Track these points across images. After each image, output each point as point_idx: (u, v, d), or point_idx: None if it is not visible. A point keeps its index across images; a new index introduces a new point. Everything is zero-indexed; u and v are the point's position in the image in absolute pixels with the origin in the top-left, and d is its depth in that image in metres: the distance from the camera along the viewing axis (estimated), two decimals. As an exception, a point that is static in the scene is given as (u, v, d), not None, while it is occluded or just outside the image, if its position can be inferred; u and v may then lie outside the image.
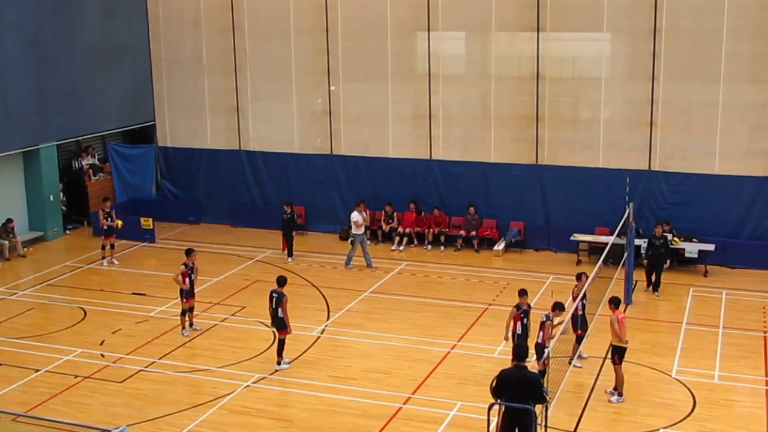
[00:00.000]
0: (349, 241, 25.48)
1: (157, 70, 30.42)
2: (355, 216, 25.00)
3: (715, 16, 24.32)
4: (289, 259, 25.77)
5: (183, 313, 20.24)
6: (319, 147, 28.79)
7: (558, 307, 17.04)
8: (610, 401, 16.59)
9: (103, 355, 19.10)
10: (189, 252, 20.51)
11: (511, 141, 26.89)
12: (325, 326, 20.74)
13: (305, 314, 21.11)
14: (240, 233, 28.75)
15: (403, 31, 27.47)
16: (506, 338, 17.45)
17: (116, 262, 25.60)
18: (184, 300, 20.13)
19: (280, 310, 18.19)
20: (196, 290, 20.53)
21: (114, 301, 22.57)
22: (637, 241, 22.79)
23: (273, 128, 29.49)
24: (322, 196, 28.93)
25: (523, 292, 17.56)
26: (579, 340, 18.09)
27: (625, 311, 17.83)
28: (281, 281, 18.56)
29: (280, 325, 18.28)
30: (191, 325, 20.33)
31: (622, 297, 21.56)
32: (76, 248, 27.48)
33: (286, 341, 18.34)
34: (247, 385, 17.54)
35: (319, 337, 19.95)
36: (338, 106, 28.47)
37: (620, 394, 16.65)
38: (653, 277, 22.76)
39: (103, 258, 25.80)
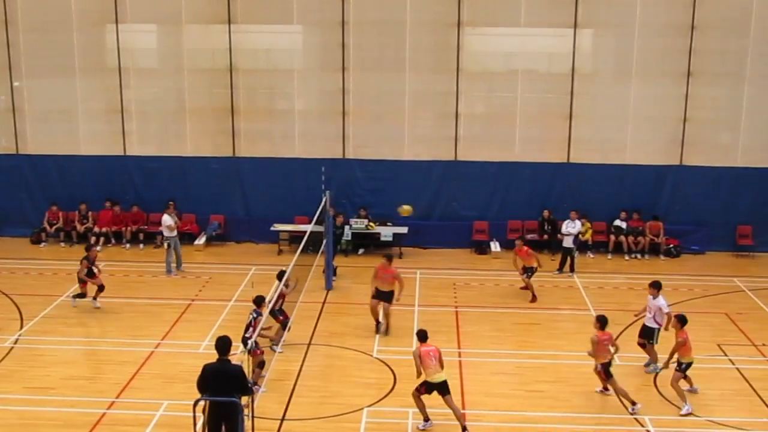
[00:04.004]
0: (165, 246, 23.98)
1: None
2: (166, 219, 23.56)
3: (399, 9, 25.61)
4: None
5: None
6: (5, 147, 27.14)
7: (262, 301, 17.06)
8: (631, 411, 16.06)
9: None
10: (89, 248, 21.92)
11: (208, 134, 26.86)
12: (19, 336, 19.54)
13: (-5, 325, 19.84)
14: None
15: (89, 24, 26.49)
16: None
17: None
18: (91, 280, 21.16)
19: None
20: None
21: None
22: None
23: (-50, 128, 27.38)
24: (10, 198, 27.27)
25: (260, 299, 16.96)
26: (284, 326, 18.32)
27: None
28: (258, 301, 16.98)
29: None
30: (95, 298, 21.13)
31: (324, 281, 22.33)
32: None
33: None
34: (-68, 407, 16.19)
35: (12, 348, 18.78)
36: (23, 103, 27.00)
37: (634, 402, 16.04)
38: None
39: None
